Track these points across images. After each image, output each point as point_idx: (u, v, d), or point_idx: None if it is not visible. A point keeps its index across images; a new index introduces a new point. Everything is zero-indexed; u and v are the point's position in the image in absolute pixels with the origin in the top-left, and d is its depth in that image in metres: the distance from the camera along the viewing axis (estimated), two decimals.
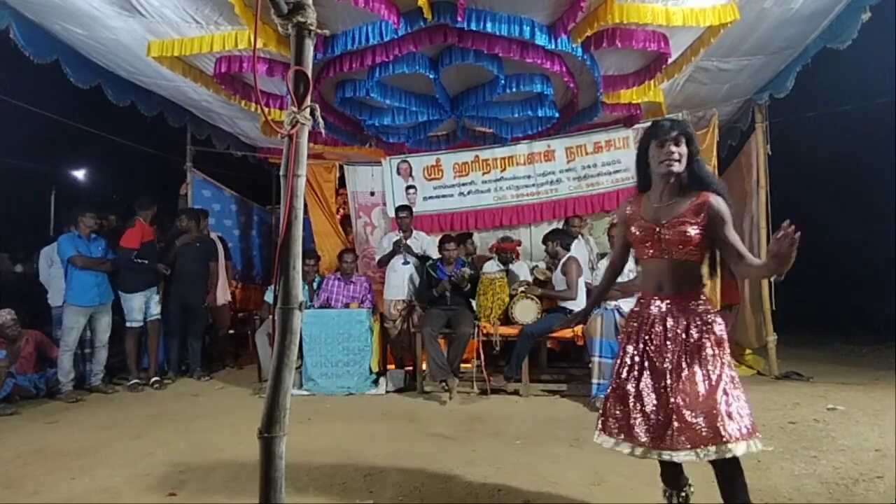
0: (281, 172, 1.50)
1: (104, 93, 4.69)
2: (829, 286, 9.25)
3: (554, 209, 5.89)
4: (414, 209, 5.97)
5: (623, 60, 4.53)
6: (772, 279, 5.04)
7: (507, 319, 4.82)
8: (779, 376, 4.90)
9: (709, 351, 1.90)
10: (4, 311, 4.38)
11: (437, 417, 3.95)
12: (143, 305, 5.03)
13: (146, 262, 5.01)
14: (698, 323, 1.94)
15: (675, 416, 1.84)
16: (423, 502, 2.46)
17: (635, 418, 1.94)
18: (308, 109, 1.53)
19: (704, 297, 2.01)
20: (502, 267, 5.31)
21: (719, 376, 1.86)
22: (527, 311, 4.72)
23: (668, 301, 2.01)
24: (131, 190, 5.47)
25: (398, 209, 5.55)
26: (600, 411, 2.12)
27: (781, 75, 4.86)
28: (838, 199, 9.01)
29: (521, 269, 5.39)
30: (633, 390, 1.99)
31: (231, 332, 6.25)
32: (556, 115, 5.20)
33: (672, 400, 1.87)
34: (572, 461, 2.93)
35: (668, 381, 1.91)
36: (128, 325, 4.98)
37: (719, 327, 1.95)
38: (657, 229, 1.97)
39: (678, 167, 1.94)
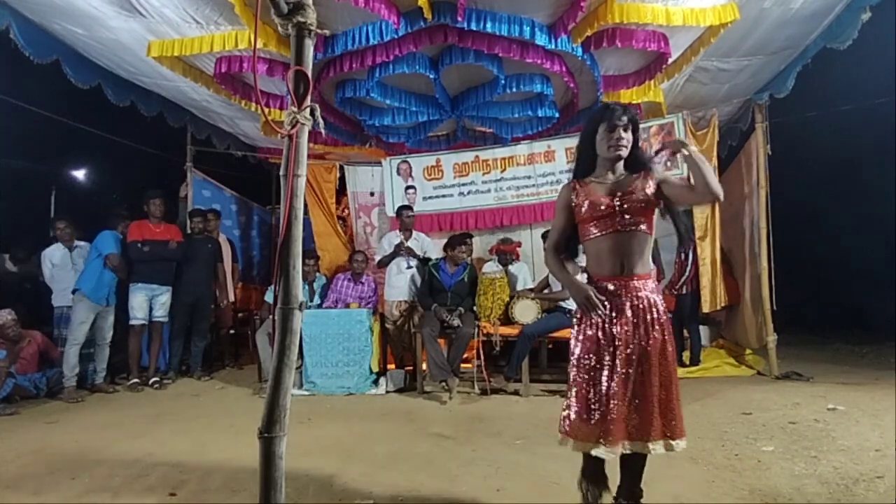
0: (281, 172, 1.50)
1: (104, 93, 4.69)
2: (829, 286, 9.25)
3: (555, 210, 5.88)
4: (414, 209, 5.98)
5: (623, 60, 4.54)
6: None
7: (507, 319, 4.83)
8: (779, 376, 4.90)
9: (668, 344, 1.97)
10: (5, 311, 4.39)
11: (437, 417, 3.94)
12: (145, 303, 5.02)
13: (146, 248, 4.96)
14: (659, 309, 1.98)
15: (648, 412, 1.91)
16: (422, 502, 2.46)
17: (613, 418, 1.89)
18: (308, 109, 1.53)
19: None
20: (502, 268, 5.32)
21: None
22: (527, 311, 4.72)
23: (629, 281, 1.99)
24: (131, 190, 5.45)
25: (403, 208, 5.52)
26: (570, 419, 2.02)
27: (781, 75, 4.86)
28: (838, 199, 8.99)
29: (521, 271, 5.40)
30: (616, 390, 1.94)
31: (231, 332, 6.26)
32: (557, 115, 5.20)
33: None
34: (572, 461, 2.92)
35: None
36: (130, 322, 4.98)
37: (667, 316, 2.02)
38: (616, 202, 1.97)
39: (625, 152, 2.00)
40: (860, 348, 6.64)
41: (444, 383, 4.44)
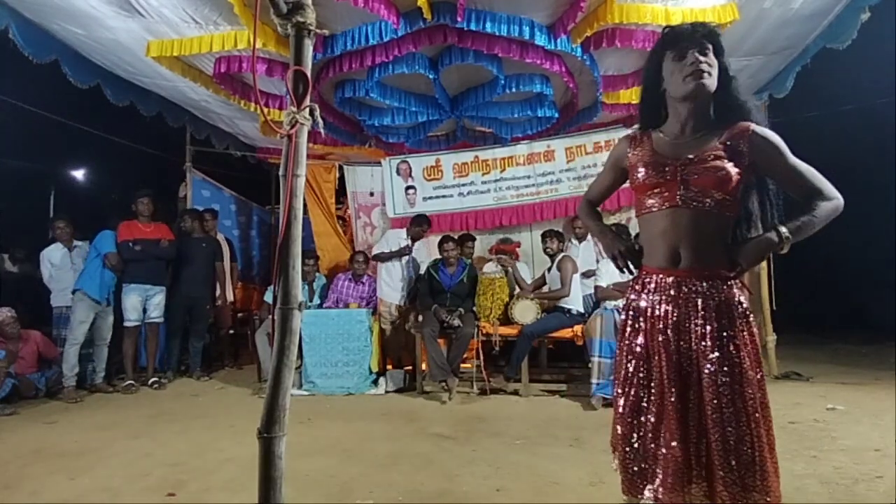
0: (280, 172, 1.50)
1: (103, 93, 4.68)
2: (829, 286, 9.25)
3: (554, 209, 5.88)
4: (413, 210, 5.98)
5: (623, 60, 4.53)
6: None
7: (506, 319, 4.83)
8: (779, 376, 4.90)
9: (749, 370, 1.38)
10: (4, 309, 4.40)
11: (436, 417, 3.94)
12: (139, 304, 5.00)
13: (138, 248, 4.94)
14: (732, 318, 1.40)
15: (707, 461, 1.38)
16: (423, 502, 2.46)
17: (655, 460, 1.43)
18: (307, 109, 1.53)
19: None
20: (501, 268, 5.33)
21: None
22: (526, 312, 4.72)
23: (685, 278, 1.44)
24: (131, 190, 5.43)
25: (421, 219, 5.44)
26: (619, 465, 1.55)
27: (781, 75, 4.86)
28: None
29: (521, 271, 5.40)
30: (649, 424, 1.46)
31: (231, 332, 6.26)
32: (556, 115, 5.20)
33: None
34: (572, 461, 2.93)
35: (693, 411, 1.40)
36: (124, 324, 4.97)
37: (755, 325, 1.44)
38: (680, 167, 1.44)
39: (710, 81, 1.41)
40: (860, 348, 6.64)
41: (443, 383, 4.44)
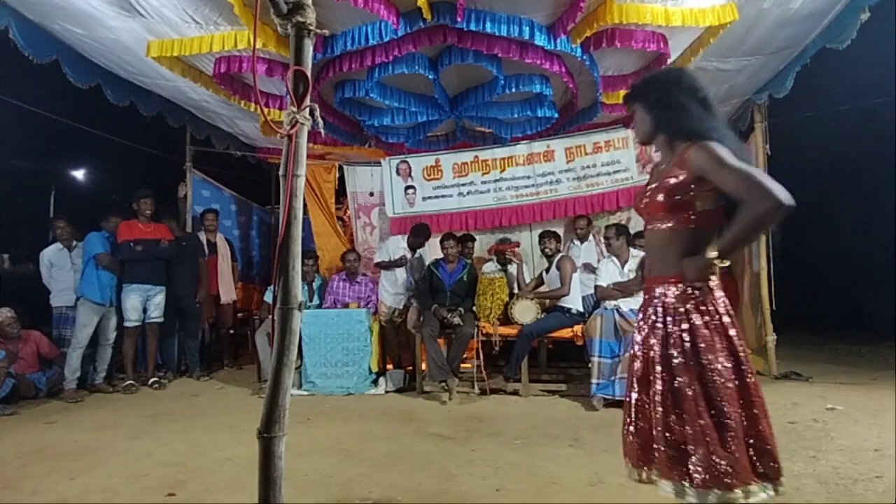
0: (280, 172, 1.50)
1: (103, 93, 4.68)
2: (829, 286, 9.25)
3: (553, 209, 5.89)
4: (413, 210, 5.98)
5: (622, 61, 4.54)
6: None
7: (506, 319, 4.84)
8: (778, 376, 4.90)
9: (683, 362, 1.57)
10: (4, 309, 4.41)
11: (436, 417, 3.95)
12: (139, 304, 4.99)
13: (139, 248, 4.93)
14: (676, 317, 1.61)
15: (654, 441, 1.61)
16: (422, 502, 2.46)
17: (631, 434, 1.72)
18: (307, 109, 1.53)
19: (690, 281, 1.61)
20: (501, 268, 5.33)
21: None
22: (526, 311, 4.73)
23: (653, 285, 1.72)
24: (131, 190, 5.42)
25: (419, 230, 5.37)
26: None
27: (780, 75, 4.86)
28: (837, 199, 8.99)
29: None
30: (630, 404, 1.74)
31: (231, 331, 6.25)
32: (556, 115, 5.20)
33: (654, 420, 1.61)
34: (571, 461, 2.94)
35: (649, 398, 1.65)
36: (124, 324, 4.96)
37: (702, 320, 1.58)
38: (644, 195, 1.75)
39: (640, 138, 1.81)
40: (859, 348, 6.64)
41: (443, 383, 4.45)
